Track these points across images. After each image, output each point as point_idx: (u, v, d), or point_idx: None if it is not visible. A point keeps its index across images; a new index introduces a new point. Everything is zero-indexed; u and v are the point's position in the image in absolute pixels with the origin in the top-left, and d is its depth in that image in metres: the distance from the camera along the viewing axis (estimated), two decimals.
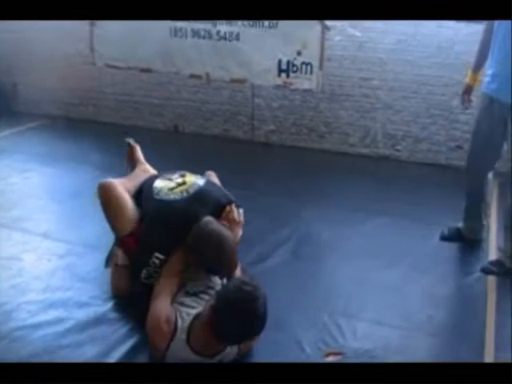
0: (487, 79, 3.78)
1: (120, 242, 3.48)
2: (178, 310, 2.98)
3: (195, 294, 3.16)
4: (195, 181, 3.54)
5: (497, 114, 3.73)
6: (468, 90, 4.08)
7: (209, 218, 3.27)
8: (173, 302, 3.07)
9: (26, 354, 3.12)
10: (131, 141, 4.18)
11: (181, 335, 2.88)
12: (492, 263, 3.92)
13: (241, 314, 2.75)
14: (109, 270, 3.61)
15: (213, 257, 3.13)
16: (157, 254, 3.26)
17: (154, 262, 3.27)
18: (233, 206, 3.50)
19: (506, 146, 3.80)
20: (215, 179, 3.86)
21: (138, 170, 3.94)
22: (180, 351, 2.88)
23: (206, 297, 3.12)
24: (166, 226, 3.31)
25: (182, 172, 3.66)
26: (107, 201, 3.47)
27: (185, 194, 3.41)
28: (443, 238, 4.25)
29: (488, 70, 3.78)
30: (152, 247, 3.29)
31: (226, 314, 2.76)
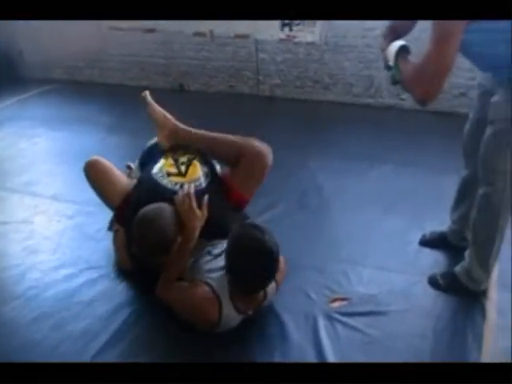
0: None
1: (115, 213, 3.43)
2: (209, 278, 2.93)
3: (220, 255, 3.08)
4: (198, 177, 3.26)
5: None
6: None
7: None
8: (198, 270, 3.02)
9: (40, 311, 3.21)
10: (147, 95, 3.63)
11: (226, 300, 2.85)
12: (444, 275, 3.27)
13: (255, 260, 2.75)
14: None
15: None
16: None
17: None
18: None
19: None
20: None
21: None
22: (230, 315, 2.87)
23: None
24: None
25: (193, 156, 3.36)
26: (94, 177, 3.44)
27: (176, 188, 3.18)
28: (423, 244, 3.61)
29: None
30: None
31: (241, 265, 2.78)
